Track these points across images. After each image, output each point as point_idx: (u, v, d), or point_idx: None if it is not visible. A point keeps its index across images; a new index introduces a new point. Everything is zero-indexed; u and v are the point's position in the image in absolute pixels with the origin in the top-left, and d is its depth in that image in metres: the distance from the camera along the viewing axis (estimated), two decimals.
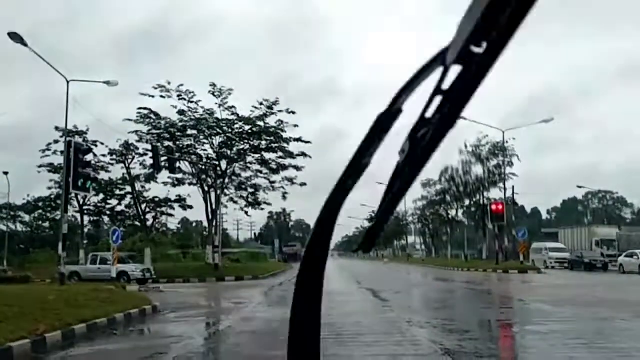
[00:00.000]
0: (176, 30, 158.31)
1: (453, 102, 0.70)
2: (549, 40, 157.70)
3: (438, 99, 0.71)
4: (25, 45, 22.81)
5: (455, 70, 0.69)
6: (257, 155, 37.93)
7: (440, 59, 0.72)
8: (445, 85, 0.70)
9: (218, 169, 37.59)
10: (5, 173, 51.43)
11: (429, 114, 0.72)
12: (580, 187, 68.21)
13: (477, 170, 51.17)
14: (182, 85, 35.65)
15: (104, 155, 40.39)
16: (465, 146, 50.03)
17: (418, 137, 0.74)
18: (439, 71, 0.72)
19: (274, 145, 37.31)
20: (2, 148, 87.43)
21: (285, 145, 37.37)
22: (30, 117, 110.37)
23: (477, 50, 0.66)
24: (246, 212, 41.56)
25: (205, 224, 42.92)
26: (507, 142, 45.04)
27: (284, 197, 40.28)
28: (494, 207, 42.00)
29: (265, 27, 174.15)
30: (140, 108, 36.27)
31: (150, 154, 33.91)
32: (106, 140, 39.84)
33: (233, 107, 36.39)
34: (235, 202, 40.56)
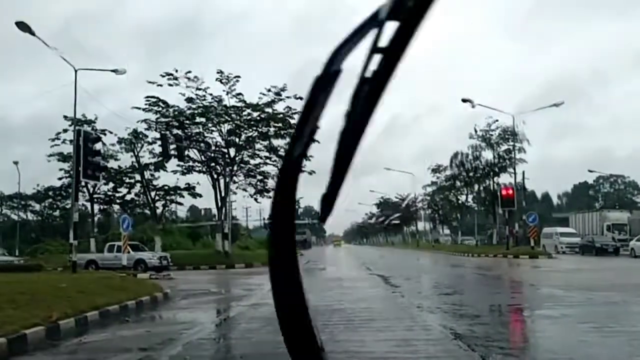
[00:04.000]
0: (204, 23, 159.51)
1: (387, 59, 0.67)
2: (566, 26, 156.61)
3: (377, 58, 0.69)
4: (33, 34, 22.84)
5: (392, 27, 0.67)
6: (265, 142, 37.88)
7: (377, 16, 0.70)
8: (383, 43, 0.68)
9: (227, 156, 37.62)
10: (15, 162, 51.84)
11: (369, 73, 0.70)
12: (591, 171, 67.55)
13: (487, 155, 50.96)
14: (189, 72, 35.65)
15: (112, 144, 40.62)
16: (475, 131, 49.78)
17: (360, 98, 0.71)
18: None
19: (282, 132, 37.22)
20: (14, 138, 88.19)
21: (293, 131, 37.29)
22: (43, 108, 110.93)
23: (410, 3, 0.64)
24: (255, 199, 41.66)
25: (215, 211, 43.05)
26: (517, 126, 44.80)
27: None
28: (504, 192, 41.84)
29: (291, 19, 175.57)
30: (148, 96, 36.33)
31: (159, 142, 34.01)
32: (124, 131, 40.10)
33: (241, 94, 36.35)
34: (244, 190, 40.65)
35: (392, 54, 0.67)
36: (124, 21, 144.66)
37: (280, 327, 0.78)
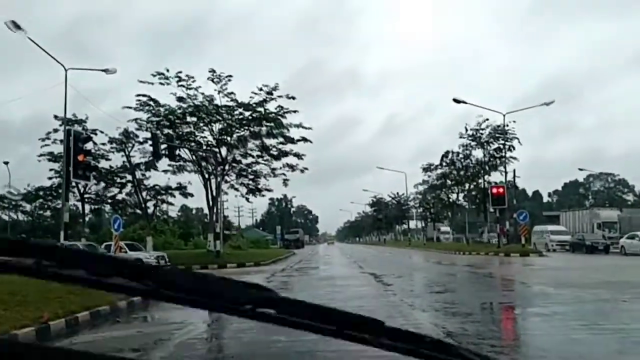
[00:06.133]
0: (206, 25, 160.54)
1: None
2: (560, 27, 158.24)
3: None
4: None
5: None
6: (257, 142, 37.78)
7: None
8: None
9: (218, 155, 37.51)
10: (6, 163, 51.51)
11: None
12: (581, 169, 68.55)
13: (478, 153, 51.10)
14: (180, 72, 35.51)
15: (103, 144, 40.42)
16: (466, 129, 49.90)
17: None
18: None
19: (274, 131, 37.14)
20: (5, 138, 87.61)
21: (285, 130, 37.22)
22: (35, 108, 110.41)
23: None
24: (247, 199, 41.55)
25: (206, 211, 42.95)
26: (507, 125, 44.95)
27: (285, 184, 40.27)
28: (494, 190, 41.98)
29: (294, 20, 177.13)
30: (139, 95, 36.13)
31: (150, 142, 33.86)
32: (116, 131, 39.93)
33: (232, 93, 36.22)
34: (236, 189, 40.55)
35: None
36: (128, 23, 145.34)
37: None
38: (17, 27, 22.46)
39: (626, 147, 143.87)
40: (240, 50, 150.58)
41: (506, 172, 46.02)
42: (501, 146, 47.10)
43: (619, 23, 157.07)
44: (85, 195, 42.62)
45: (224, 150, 37.54)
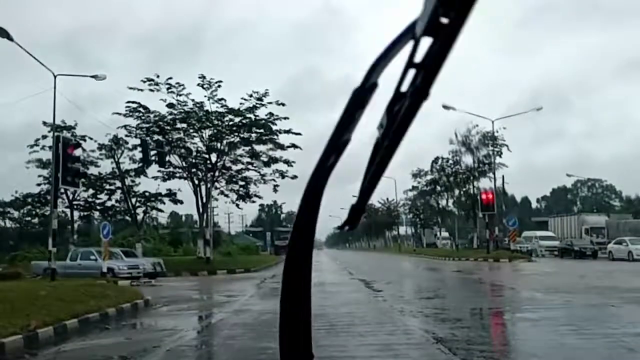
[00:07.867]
0: (202, 35, 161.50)
1: (425, 74, 0.69)
2: (549, 37, 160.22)
3: (412, 72, 0.71)
4: (11, 39, 22.55)
5: (426, 43, 0.68)
6: (247, 148, 37.75)
7: (411, 32, 0.71)
8: (418, 58, 0.70)
9: (208, 162, 37.44)
10: None
11: (404, 88, 0.72)
12: (569, 175, 68.88)
13: (467, 160, 51.33)
14: (170, 78, 35.44)
15: (92, 151, 40.27)
16: (456, 136, 50.12)
17: (395, 111, 0.74)
18: (411, 44, 0.71)
19: (264, 138, 37.13)
20: None
21: (275, 137, 37.22)
22: (25, 114, 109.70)
23: (445, 20, 0.65)
24: (237, 205, 41.48)
25: (196, 217, 42.86)
26: (497, 131, 45.24)
27: (275, 190, 40.21)
28: (483, 196, 42.14)
29: (290, 30, 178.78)
30: (129, 102, 36.01)
31: (140, 148, 33.73)
32: (105, 137, 39.82)
33: (223, 99, 36.19)
34: (226, 195, 40.48)
35: (428, 70, 0.69)
36: (125, 31, 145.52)
37: (280, 329, 0.80)
38: (6, 34, 22.32)
39: (613, 154, 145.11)
40: (234, 60, 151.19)
41: (495, 178, 46.31)
42: (490, 152, 47.39)
43: (606, 34, 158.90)
44: (74, 202, 42.41)
45: (214, 157, 37.50)
